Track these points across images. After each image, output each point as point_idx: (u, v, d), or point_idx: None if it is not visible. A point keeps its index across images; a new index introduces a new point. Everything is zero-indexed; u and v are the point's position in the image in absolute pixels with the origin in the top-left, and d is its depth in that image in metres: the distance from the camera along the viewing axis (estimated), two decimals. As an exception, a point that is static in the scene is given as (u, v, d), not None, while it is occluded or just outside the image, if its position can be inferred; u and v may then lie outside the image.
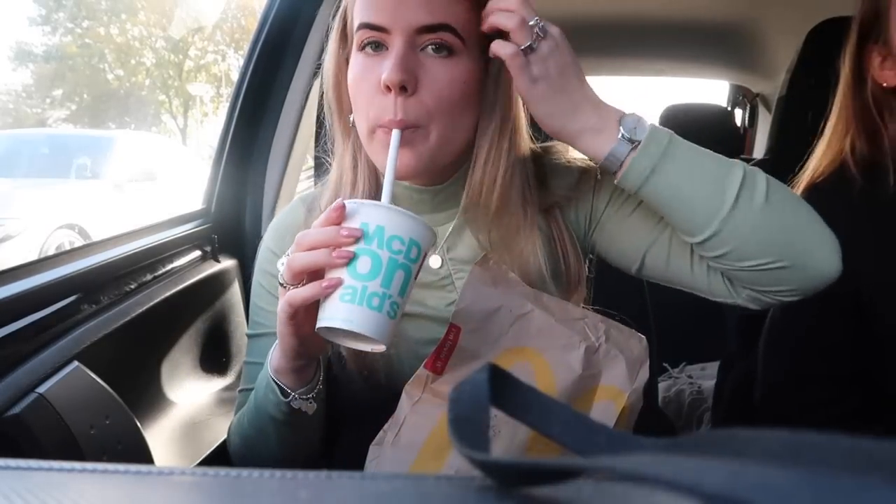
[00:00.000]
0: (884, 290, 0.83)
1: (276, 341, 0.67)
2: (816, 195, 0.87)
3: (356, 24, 0.70)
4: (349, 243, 0.57)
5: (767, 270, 0.66)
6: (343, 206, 0.59)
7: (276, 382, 0.68)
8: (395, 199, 0.77)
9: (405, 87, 0.66)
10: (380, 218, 0.58)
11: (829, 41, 1.29)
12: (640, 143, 0.65)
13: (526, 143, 0.79)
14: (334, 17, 0.76)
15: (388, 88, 0.66)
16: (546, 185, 0.79)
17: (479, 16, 0.69)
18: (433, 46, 0.68)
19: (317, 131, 1.33)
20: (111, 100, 16.72)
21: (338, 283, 0.58)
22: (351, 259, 0.57)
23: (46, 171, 6.05)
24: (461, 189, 0.76)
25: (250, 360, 0.82)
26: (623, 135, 0.65)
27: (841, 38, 1.27)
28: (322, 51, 0.74)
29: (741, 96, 2.41)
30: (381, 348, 0.60)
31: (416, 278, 0.60)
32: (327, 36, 0.77)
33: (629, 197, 0.76)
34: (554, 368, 0.67)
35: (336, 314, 0.58)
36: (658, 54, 2.20)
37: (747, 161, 1.24)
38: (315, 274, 0.60)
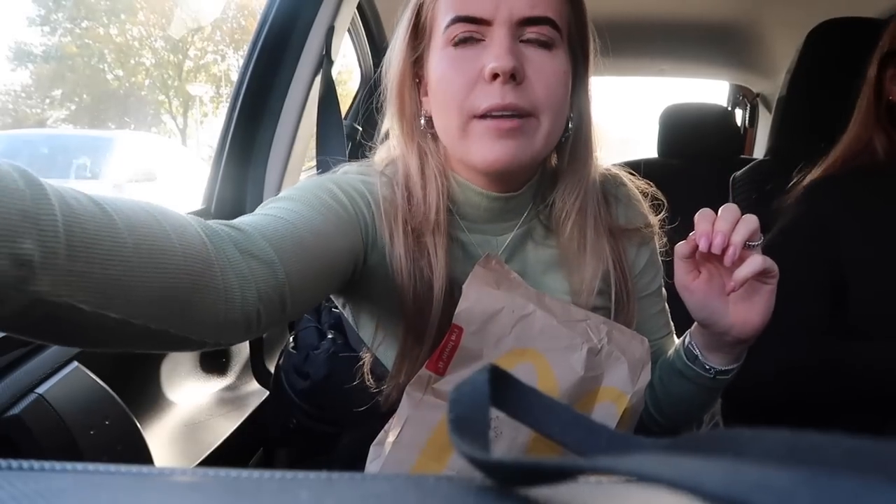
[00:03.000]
0: (864, 269, 0.90)
1: None
2: (816, 189, 0.96)
3: (446, 18, 0.66)
4: None
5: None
6: None
7: None
8: (464, 205, 0.73)
9: (514, 76, 0.63)
10: None
11: (830, 41, 1.29)
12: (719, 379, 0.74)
13: (596, 158, 0.76)
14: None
15: (495, 77, 0.62)
16: (610, 210, 0.78)
17: (572, 7, 0.68)
18: (529, 39, 0.65)
19: (318, 133, 1.33)
20: (111, 100, 16.72)
21: None
22: None
23: (46, 172, 6.00)
24: (528, 200, 0.74)
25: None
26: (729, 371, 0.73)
27: (841, 39, 1.28)
28: (322, 50, 0.73)
29: (741, 96, 2.41)
30: None
31: None
32: (328, 36, 0.76)
33: (658, 288, 0.81)
34: (556, 370, 0.67)
35: None
36: (659, 54, 2.20)
37: (747, 161, 1.25)
38: None
